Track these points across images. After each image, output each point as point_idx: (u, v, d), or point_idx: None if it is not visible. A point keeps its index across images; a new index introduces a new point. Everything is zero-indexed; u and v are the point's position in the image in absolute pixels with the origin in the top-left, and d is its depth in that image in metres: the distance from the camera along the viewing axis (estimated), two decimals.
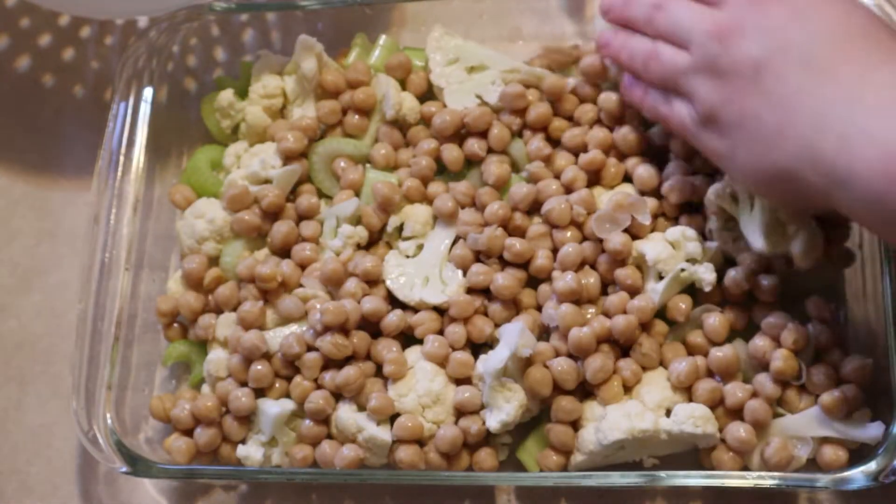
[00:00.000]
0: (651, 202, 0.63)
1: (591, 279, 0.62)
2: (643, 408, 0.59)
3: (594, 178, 0.66)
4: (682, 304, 0.61)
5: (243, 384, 0.64)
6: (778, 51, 0.52)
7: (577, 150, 0.66)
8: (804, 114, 0.50)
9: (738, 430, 0.58)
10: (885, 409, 0.57)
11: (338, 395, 0.63)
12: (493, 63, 0.70)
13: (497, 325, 0.63)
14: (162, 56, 0.72)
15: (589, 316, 0.62)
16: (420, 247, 0.66)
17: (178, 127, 0.74)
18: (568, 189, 0.65)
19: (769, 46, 0.52)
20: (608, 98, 0.66)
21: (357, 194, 0.68)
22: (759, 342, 0.60)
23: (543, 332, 0.63)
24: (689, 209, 0.64)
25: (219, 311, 0.68)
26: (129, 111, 0.71)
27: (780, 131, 0.51)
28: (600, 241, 0.63)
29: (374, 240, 0.68)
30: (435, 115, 0.68)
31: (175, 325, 0.69)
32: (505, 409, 0.59)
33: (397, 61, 0.71)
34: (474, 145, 0.67)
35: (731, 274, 0.61)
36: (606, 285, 0.63)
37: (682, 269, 0.61)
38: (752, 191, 0.58)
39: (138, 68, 0.71)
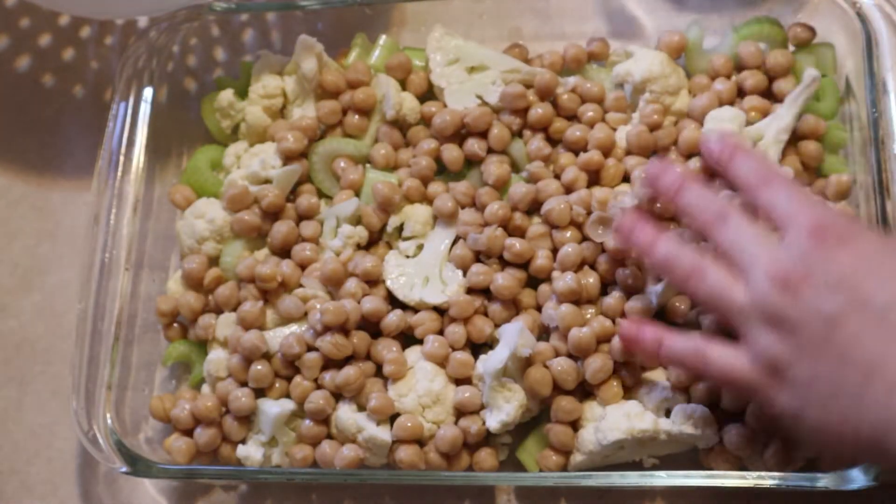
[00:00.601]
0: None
1: (590, 279, 0.62)
2: (643, 408, 0.59)
3: (594, 178, 0.66)
4: (681, 304, 0.61)
5: (243, 384, 0.64)
6: (852, 307, 0.48)
7: (577, 150, 0.66)
8: (885, 378, 0.47)
9: (737, 431, 0.58)
10: None
11: (338, 395, 0.63)
12: (494, 63, 0.70)
13: (497, 325, 0.63)
14: (162, 56, 0.72)
15: (589, 316, 0.62)
16: (420, 247, 0.66)
17: (178, 127, 0.74)
18: (568, 189, 0.65)
19: (842, 302, 0.48)
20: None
21: (357, 194, 0.68)
22: None
23: (543, 332, 0.63)
24: None
25: (219, 311, 0.68)
26: (129, 111, 0.71)
27: (857, 397, 0.47)
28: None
29: (374, 240, 0.68)
30: (435, 115, 0.68)
31: (175, 325, 0.69)
32: (505, 409, 0.59)
33: (397, 61, 0.71)
34: (474, 145, 0.67)
35: None
36: (606, 285, 0.63)
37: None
38: (820, 448, 0.56)
39: (138, 68, 0.71)
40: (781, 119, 0.64)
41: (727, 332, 0.55)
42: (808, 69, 0.65)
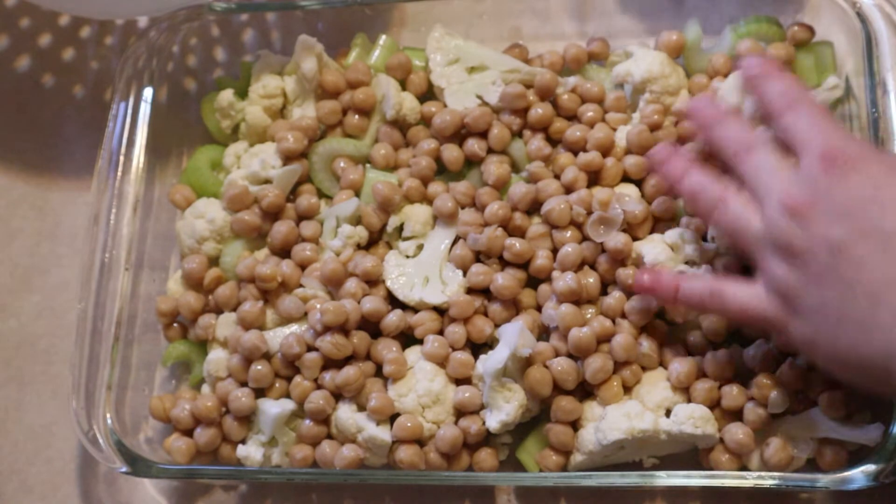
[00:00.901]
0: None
1: (590, 279, 0.62)
2: (643, 408, 0.59)
3: (594, 178, 0.66)
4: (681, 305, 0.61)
5: (243, 384, 0.65)
6: (858, 234, 0.48)
7: (577, 150, 0.66)
8: (891, 304, 0.47)
9: (737, 431, 0.58)
10: (885, 410, 0.57)
11: (338, 395, 0.63)
12: (494, 63, 0.70)
13: (497, 325, 0.63)
14: (162, 56, 0.72)
15: (589, 316, 0.62)
16: (420, 247, 0.66)
17: (178, 127, 0.74)
18: (568, 189, 0.65)
19: (846, 229, 0.49)
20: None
21: (357, 194, 0.68)
22: (752, 352, 0.60)
23: (543, 332, 0.63)
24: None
25: (219, 311, 0.68)
26: (129, 111, 0.71)
27: (864, 322, 0.48)
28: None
29: (374, 240, 0.68)
30: (435, 116, 0.68)
31: (175, 325, 0.69)
32: (505, 409, 0.59)
33: (397, 61, 0.71)
34: (474, 145, 0.67)
35: None
36: (606, 285, 0.63)
37: (681, 272, 0.61)
38: (834, 376, 0.55)
39: (138, 68, 0.71)
40: None
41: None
42: (831, 77, 0.65)
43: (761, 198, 0.53)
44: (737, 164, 0.55)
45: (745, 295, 0.54)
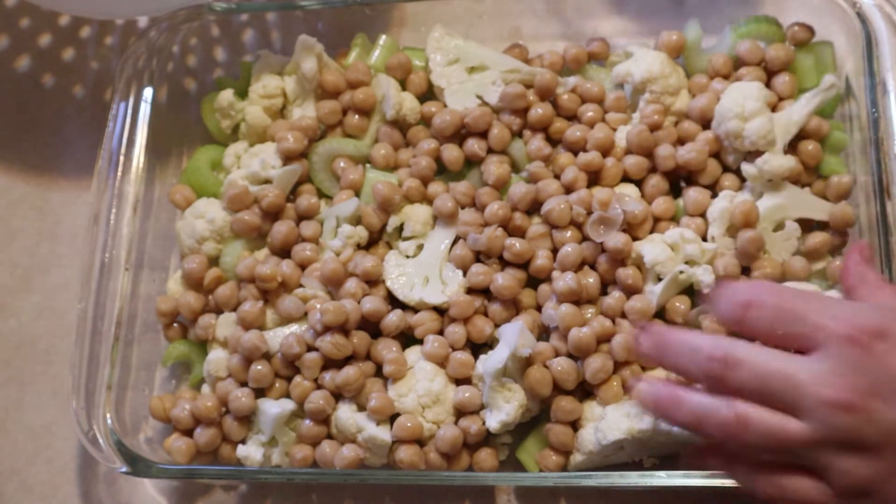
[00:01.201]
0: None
1: (590, 279, 0.62)
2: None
3: (594, 178, 0.66)
4: (681, 305, 0.61)
5: (243, 384, 0.65)
6: None
7: (577, 150, 0.66)
8: None
9: None
10: None
11: (338, 395, 0.63)
12: (494, 63, 0.70)
13: (497, 325, 0.63)
14: (162, 56, 0.72)
15: (589, 316, 0.62)
16: (420, 247, 0.66)
17: (178, 127, 0.74)
18: (568, 189, 0.65)
19: None
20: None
21: (357, 194, 0.68)
22: None
23: (543, 332, 0.63)
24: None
25: (219, 311, 0.68)
26: (129, 111, 0.71)
27: None
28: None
29: (374, 240, 0.68)
30: (435, 116, 0.68)
31: (175, 325, 0.69)
32: (505, 409, 0.59)
33: (397, 61, 0.71)
34: (474, 145, 0.67)
35: None
36: (606, 285, 0.63)
37: (681, 272, 0.61)
38: None
39: (138, 68, 0.71)
40: (792, 115, 0.64)
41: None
42: (828, 75, 0.65)
43: (791, 399, 0.48)
44: (724, 380, 0.49)
45: (813, 492, 0.49)
